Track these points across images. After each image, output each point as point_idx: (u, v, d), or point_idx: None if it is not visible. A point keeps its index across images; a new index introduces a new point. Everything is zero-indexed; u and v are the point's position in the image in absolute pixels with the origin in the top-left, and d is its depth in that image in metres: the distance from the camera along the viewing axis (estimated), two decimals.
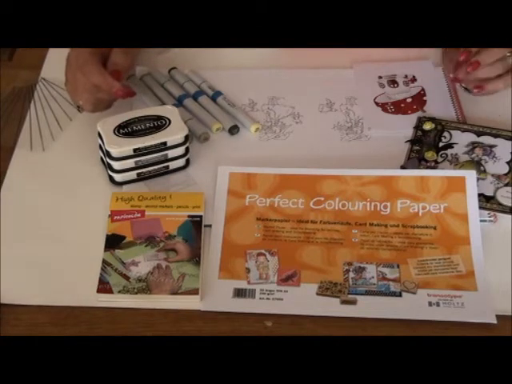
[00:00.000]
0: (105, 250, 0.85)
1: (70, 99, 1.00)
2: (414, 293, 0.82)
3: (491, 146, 0.97)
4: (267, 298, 0.82)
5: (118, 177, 0.92)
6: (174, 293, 0.81)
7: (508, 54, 0.93)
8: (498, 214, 0.90)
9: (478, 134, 0.98)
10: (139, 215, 0.88)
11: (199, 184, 0.94)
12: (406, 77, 1.08)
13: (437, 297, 0.81)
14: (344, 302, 0.81)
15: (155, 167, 0.93)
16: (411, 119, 1.01)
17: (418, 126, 1.00)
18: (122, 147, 0.90)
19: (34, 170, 0.96)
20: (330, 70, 1.08)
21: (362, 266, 0.84)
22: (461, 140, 0.98)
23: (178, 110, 0.95)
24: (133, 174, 0.93)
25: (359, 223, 0.88)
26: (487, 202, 0.90)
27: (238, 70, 1.08)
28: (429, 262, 0.85)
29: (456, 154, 0.96)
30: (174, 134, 0.92)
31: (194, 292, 0.81)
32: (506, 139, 0.97)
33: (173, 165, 0.94)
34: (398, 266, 0.84)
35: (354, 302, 0.81)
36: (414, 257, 0.85)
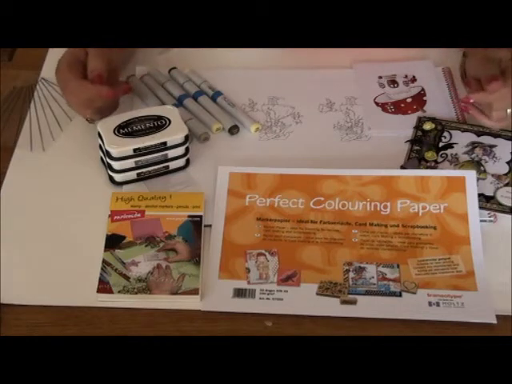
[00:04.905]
0: (105, 250, 0.85)
1: None
2: (414, 293, 0.82)
3: (491, 146, 0.97)
4: (267, 298, 0.82)
5: (118, 177, 0.92)
6: (174, 293, 0.81)
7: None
8: (498, 213, 0.89)
9: (478, 134, 0.98)
10: (139, 215, 0.88)
11: (199, 184, 0.94)
12: (406, 77, 1.08)
13: (437, 297, 0.81)
14: (344, 302, 0.81)
15: (155, 167, 0.93)
16: (411, 119, 1.01)
17: (418, 126, 1.00)
18: (121, 147, 0.90)
19: (34, 170, 0.96)
20: (330, 70, 1.08)
21: (362, 266, 0.84)
22: (461, 140, 0.98)
23: (177, 110, 0.95)
24: (133, 174, 0.93)
25: (359, 223, 0.88)
26: (487, 202, 0.90)
27: (237, 70, 1.08)
28: (429, 262, 0.85)
29: (456, 154, 0.96)
30: (173, 134, 0.92)
31: (194, 292, 0.81)
32: (506, 139, 0.97)
33: (173, 165, 0.94)
34: (398, 266, 0.84)
35: (354, 302, 0.81)
36: (414, 257, 0.85)
